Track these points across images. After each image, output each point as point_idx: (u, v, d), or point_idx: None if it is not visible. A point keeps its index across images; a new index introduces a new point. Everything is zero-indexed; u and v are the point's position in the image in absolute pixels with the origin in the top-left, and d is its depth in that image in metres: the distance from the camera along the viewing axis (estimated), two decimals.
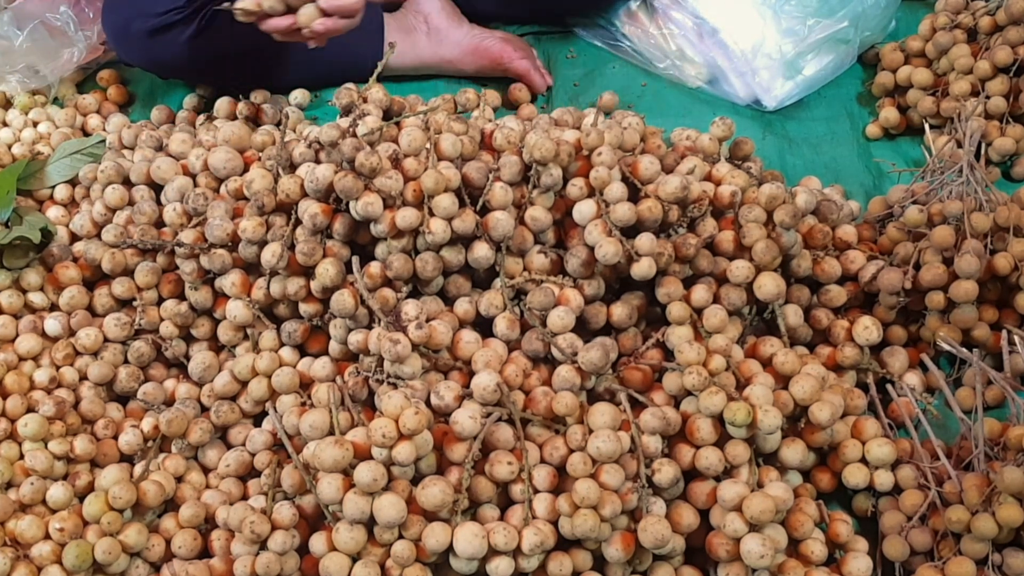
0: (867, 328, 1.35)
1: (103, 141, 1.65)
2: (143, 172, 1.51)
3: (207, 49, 1.67)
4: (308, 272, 1.36)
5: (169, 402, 1.42)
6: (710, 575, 1.23)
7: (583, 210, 1.33)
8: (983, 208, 1.40)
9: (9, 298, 1.45)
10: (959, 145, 1.52)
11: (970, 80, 1.65)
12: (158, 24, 1.65)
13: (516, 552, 1.15)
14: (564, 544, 1.18)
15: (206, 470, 1.36)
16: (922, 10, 1.82)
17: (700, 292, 1.33)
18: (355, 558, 1.16)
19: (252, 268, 1.41)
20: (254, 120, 1.72)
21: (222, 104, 1.75)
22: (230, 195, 1.45)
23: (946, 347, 1.36)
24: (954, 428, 1.34)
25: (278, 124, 1.61)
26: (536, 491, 1.18)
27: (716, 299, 1.34)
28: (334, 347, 1.38)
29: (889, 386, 1.37)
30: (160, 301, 1.46)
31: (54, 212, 1.57)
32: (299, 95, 1.75)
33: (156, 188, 1.51)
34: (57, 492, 1.28)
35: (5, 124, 1.76)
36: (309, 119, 1.70)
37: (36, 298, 1.46)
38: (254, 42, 1.62)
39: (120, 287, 1.45)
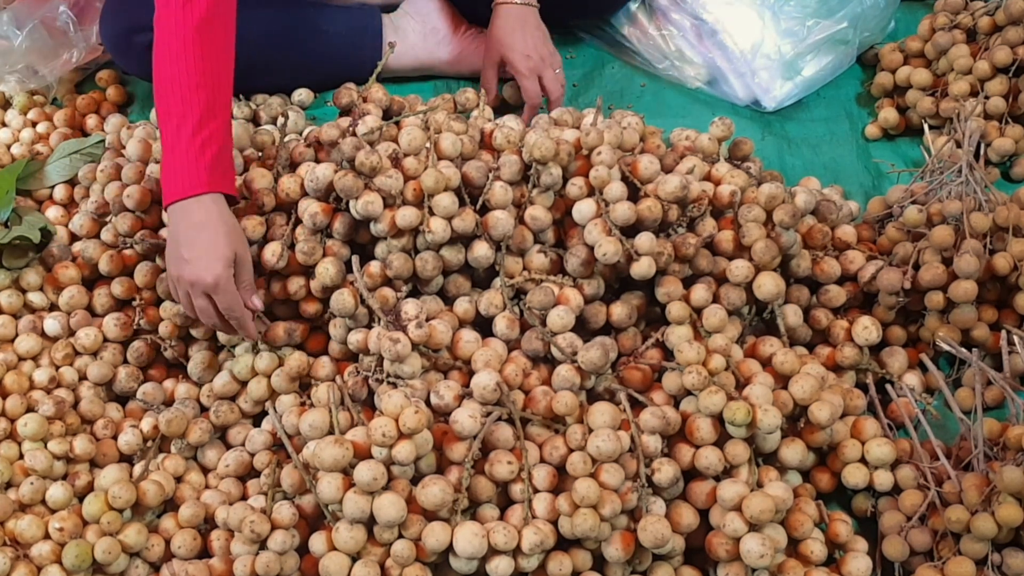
0: (866, 328, 1.35)
1: (102, 141, 1.65)
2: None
3: None
4: (308, 271, 1.36)
5: (168, 402, 1.42)
6: (710, 575, 1.23)
7: (583, 209, 1.33)
8: (982, 208, 1.40)
9: (9, 298, 1.44)
10: (958, 145, 1.52)
11: (969, 80, 1.65)
12: None
13: (516, 552, 1.15)
14: (564, 544, 1.18)
15: (205, 470, 1.36)
16: (921, 10, 1.82)
17: (700, 292, 1.33)
18: (355, 558, 1.16)
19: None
20: (253, 120, 1.72)
21: None
22: None
23: (945, 347, 1.36)
24: (953, 428, 1.34)
25: (274, 121, 1.61)
26: (536, 491, 1.18)
27: (716, 299, 1.34)
28: (334, 347, 1.38)
29: (889, 386, 1.37)
30: (159, 301, 1.45)
31: (53, 212, 1.58)
32: (303, 93, 1.75)
33: None
34: (57, 492, 1.28)
35: (4, 124, 1.76)
36: (309, 119, 1.70)
37: (36, 298, 1.46)
38: (252, 51, 1.61)
39: (119, 287, 1.45)
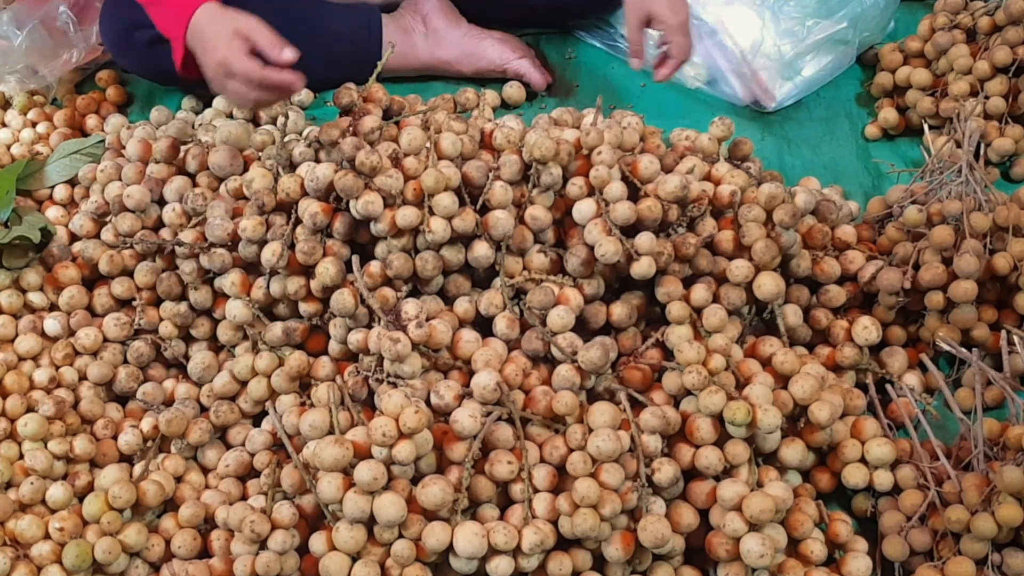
0: (866, 328, 1.35)
1: (102, 141, 1.66)
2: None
3: None
4: (308, 271, 1.36)
5: (168, 402, 1.42)
6: (710, 575, 1.23)
7: (583, 209, 1.33)
8: (982, 208, 1.40)
9: (9, 298, 1.44)
10: (958, 145, 1.52)
11: (969, 80, 1.65)
12: (159, 34, 1.64)
13: (516, 551, 1.15)
14: (564, 544, 1.18)
15: (205, 470, 1.36)
16: (921, 10, 1.82)
17: (700, 291, 1.33)
18: (355, 557, 1.16)
19: (252, 268, 1.41)
20: (253, 120, 1.72)
21: (220, 103, 1.75)
22: (230, 195, 1.44)
23: (945, 347, 1.36)
24: (953, 428, 1.34)
25: (274, 121, 1.61)
26: (536, 490, 1.18)
27: (716, 299, 1.34)
28: (334, 347, 1.38)
29: (888, 386, 1.37)
30: (159, 301, 1.45)
31: (53, 212, 1.58)
32: (303, 93, 1.75)
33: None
34: (57, 492, 1.28)
35: (4, 124, 1.76)
36: (309, 119, 1.70)
37: (36, 298, 1.46)
38: None
39: (119, 287, 1.45)
